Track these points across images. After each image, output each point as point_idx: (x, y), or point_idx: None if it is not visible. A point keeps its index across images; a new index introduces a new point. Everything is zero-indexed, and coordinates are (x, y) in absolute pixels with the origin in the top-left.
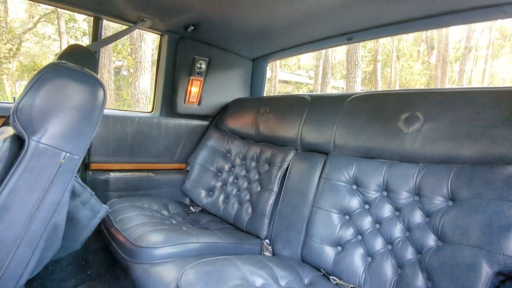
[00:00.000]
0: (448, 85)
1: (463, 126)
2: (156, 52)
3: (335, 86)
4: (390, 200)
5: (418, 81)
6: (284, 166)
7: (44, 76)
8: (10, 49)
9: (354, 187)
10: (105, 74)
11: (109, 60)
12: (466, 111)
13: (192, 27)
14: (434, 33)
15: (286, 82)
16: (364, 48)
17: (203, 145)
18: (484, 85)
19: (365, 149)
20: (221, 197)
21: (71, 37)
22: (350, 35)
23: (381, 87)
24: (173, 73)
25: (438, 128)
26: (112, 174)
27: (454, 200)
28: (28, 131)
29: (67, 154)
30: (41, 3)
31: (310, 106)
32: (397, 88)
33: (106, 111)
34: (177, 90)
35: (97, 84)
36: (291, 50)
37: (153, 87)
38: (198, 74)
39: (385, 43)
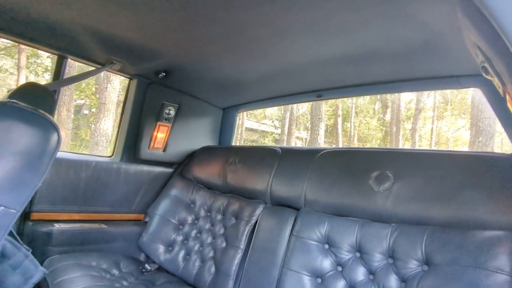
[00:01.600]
0: (401, 140)
1: (433, 188)
2: (122, 93)
3: (299, 136)
4: (363, 262)
5: (374, 136)
6: (253, 221)
7: None
8: None
9: (326, 246)
10: (64, 112)
11: (70, 98)
12: (435, 173)
13: (164, 74)
14: (387, 94)
15: (252, 130)
16: (326, 103)
17: (165, 194)
18: (451, 148)
19: (337, 206)
20: (182, 253)
21: (31, 73)
22: (320, 93)
23: (341, 140)
24: (139, 117)
25: (408, 188)
26: (56, 225)
27: (429, 265)
28: None
29: (1, 208)
30: (3, 38)
31: (280, 158)
32: (356, 141)
33: (59, 154)
34: (142, 135)
35: (51, 127)
36: (262, 102)
37: (115, 130)
38: (166, 119)
39: (345, 100)
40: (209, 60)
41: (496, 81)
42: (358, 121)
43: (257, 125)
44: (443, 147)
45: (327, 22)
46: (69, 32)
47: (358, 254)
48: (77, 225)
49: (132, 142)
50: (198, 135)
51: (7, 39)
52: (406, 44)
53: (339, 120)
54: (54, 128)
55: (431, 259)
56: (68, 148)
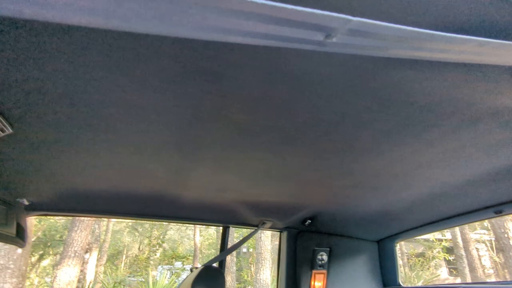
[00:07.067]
0: None
1: None
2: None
3: (479, 239)
4: None
5: None
6: None
7: None
8: (157, 243)
9: None
10: (229, 257)
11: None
12: None
13: (310, 221)
14: None
15: (413, 241)
16: None
17: None
18: None
19: None
20: None
21: (201, 236)
22: (499, 208)
23: None
24: (294, 268)
25: None
26: None
27: None
28: None
29: None
30: (175, 222)
31: None
32: None
33: None
34: (299, 286)
35: None
36: (424, 228)
37: (274, 280)
38: (320, 266)
39: None
40: (352, 201)
41: None
42: None
43: None
44: None
45: (480, 142)
46: (229, 208)
47: None
48: None
49: None
50: (356, 277)
51: (180, 223)
52: None
53: None
54: None
55: None
56: None
